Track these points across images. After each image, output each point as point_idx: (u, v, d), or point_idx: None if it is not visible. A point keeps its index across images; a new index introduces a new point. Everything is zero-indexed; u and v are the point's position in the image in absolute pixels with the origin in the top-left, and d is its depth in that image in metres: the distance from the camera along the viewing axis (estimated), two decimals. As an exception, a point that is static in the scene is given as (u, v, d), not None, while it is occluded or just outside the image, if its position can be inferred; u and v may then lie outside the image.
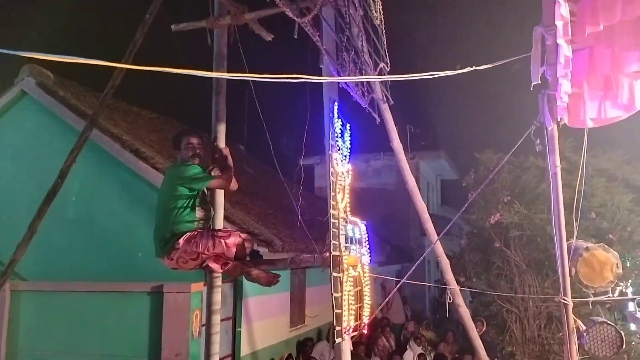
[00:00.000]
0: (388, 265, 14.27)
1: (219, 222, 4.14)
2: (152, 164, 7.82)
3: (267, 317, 8.83)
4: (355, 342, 3.96)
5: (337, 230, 3.67)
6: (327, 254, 3.75)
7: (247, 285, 8.11)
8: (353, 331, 3.78)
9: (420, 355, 9.66)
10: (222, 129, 4.35)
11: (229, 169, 4.04)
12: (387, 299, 5.76)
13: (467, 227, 11.61)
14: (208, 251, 3.82)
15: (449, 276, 5.40)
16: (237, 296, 8.04)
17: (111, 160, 8.02)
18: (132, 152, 7.96)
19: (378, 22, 4.69)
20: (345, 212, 3.89)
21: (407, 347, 10.21)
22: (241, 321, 8.01)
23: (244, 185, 11.90)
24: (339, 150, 3.76)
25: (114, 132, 8.20)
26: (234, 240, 3.91)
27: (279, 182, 18.57)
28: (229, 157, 4.14)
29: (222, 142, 4.33)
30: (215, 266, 3.90)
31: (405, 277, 4.22)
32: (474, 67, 3.04)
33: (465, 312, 5.43)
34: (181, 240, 3.81)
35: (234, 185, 4.19)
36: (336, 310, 3.54)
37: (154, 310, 6.78)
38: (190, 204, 3.91)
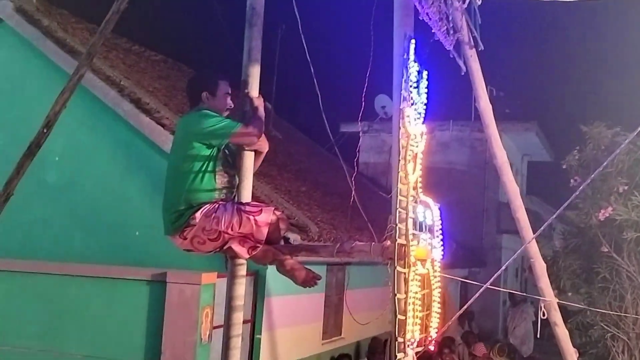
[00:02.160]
0: (452, 269, 14.14)
1: (246, 193, 4.11)
2: (156, 118, 7.89)
3: (294, 323, 8.88)
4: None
5: (404, 211, 3.59)
6: (389, 243, 3.68)
7: (271, 281, 8.15)
8: (418, 346, 3.73)
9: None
10: (255, 73, 4.27)
11: (258, 119, 3.98)
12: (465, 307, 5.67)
13: (563, 225, 11.38)
14: (232, 230, 3.79)
15: (544, 285, 5.29)
16: (258, 294, 8.11)
17: (105, 111, 8.13)
18: (132, 103, 8.05)
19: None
20: (415, 188, 3.80)
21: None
22: (261, 326, 8.08)
23: (271, 153, 11.92)
24: (412, 104, 3.66)
25: (109, 75, 8.30)
26: (266, 218, 3.87)
27: (314, 152, 18.70)
28: (261, 109, 4.09)
29: (254, 90, 4.27)
30: (240, 250, 3.88)
31: (489, 281, 4.13)
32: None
33: (563, 334, 5.34)
34: (198, 214, 3.79)
35: (263, 144, 4.14)
36: (399, 316, 3.49)
37: (153, 304, 6.89)
38: (209, 168, 3.88)
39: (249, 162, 4.14)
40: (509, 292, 15.00)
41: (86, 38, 9.07)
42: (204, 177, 3.88)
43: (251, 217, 3.84)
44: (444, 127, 19.22)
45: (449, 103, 17.05)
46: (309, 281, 4.07)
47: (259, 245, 3.90)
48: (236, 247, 3.88)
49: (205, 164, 3.87)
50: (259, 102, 4.12)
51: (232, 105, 4.10)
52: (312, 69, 4.47)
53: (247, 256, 3.94)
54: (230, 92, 4.09)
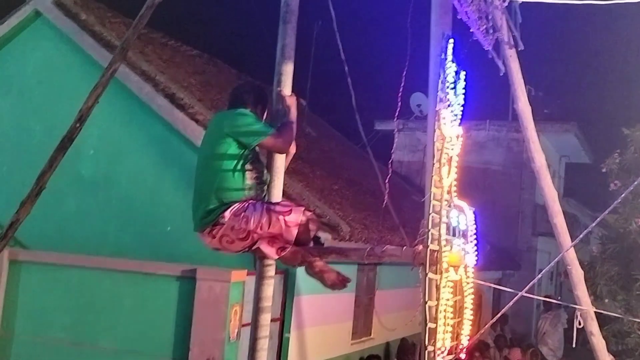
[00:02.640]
0: (486, 271, 13.93)
1: (277, 193, 4.05)
2: (190, 114, 7.88)
3: (323, 322, 8.82)
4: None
5: (438, 216, 3.50)
6: (421, 247, 3.59)
7: (301, 280, 8.10)
8: (448, 354, 3.63)
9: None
10: (288, 70, 4.21)
11: (289, 127, 3.91)
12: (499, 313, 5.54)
13: (600, 230, 11.13)
14: (261, 230, 3.74)
15: (581, 292, 5.13)
16: (287, 293, 8.07)
17: (140, 106, 8.16)
18: (167, 98, 8.06)
19: None
20: (449, 192, 3.70)
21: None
22: (290, 325, 8.04)
23: (304, 151, 11.90)
24: (449, 106, 3.56)
25: (145, 70, 8.32)
26: (296, 218, 3.80)
27: (348, 150, 18.61)
28: (293, 109, 4.01)
29: (287, 88, 4.20)
30: (269, 250, 3.82)
31: (525, 289, 4.00)
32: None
33: (600, 344, 5.18)
34: (227, 213, 3.75)
35: (292, 148, 4.08)
36: (429, 324, 3.40)
37: (183, 300, 6.89)
38: (239, 166, 3.83)
39: (280, 162, 4.08)
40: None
41: (122, 32, 9.10)
42: (234, 175, 3.83)
43: (281, 218, 3.78)
44: (481, 127, 18.95)
45: (485, 102, 16.81)
46: (338, 284, 4.00)
47: (288, 245, 3.84)
48: (265, 247, 3.83)
49: (236, 162, 3.82)
50: (292, 101, 4.05)
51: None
52: (346, 67, 4.39)
53: (276, 257, 3.89)
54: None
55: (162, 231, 7.85)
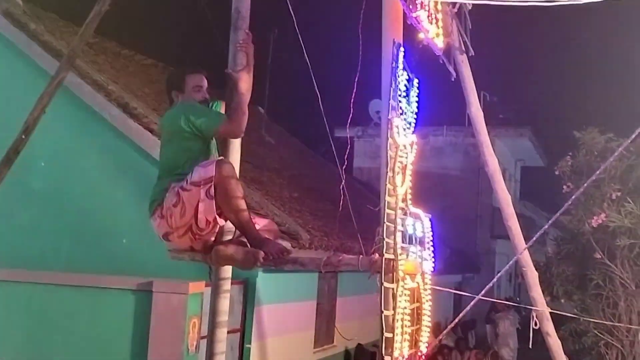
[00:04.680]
0: (446, 275, 14.04)
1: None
2: (144, 123, 7.75)
3: (285, 331, 8.75)
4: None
5: (392, 225, 3.46)
6: (377, 256, 3.55)
7: (261, 289, 8.02)
8: (407, 362, 3.60)
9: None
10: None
11: (239, 108, 3.80)
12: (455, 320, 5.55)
13: (556, 231, 11.30)
14: (187, 182, 3.66)
15: (536, 294, 5.17)
16: (248, 302, 7.98)
17: (92, 116, 7.99)
18: (120, 107, 7.91)
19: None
20: (405, 200, 3.68)
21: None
22: (251, 335, 7.94)
23: (262, 159, 11.84)
24: (402, 114, 3.54)
25: (97, 79, 8.15)
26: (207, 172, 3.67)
27: (307, 157, 18.58)
28: (241, 83, 3.90)
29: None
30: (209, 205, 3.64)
31: (481, 293, 4.00)
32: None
33: (555, 345, 5.23)
34: (171, 190, 3.69)
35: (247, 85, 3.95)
36: (386, 334, 3.36)
37: (139, 314, 6.76)
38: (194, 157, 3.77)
39: (236, 156, 4.02)
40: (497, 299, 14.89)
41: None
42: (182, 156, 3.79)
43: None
44: (438, 133, 19.16)
45: (442, 108, 17.00)
46: (250, 260, 3.82)
47: (210, 183, 3.63)
48: (203, 203, 3.66)
49: (192, 153, 3.77)
50: (236, 77, 3.94)
51: (207, 97, 3.96)
52: (311, 70, 4.36)
53: (213, 202, 3.67)
54: (202, 84, 3.94)
55: (117, 243, 7.68)
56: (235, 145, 4.02)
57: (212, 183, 3.58)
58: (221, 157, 3.82)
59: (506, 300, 17.53)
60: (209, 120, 3.75)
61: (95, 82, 8.05)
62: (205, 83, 3.96)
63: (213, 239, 3.91)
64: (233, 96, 3.81)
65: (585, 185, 6.25)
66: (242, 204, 3.70)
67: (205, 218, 3.64)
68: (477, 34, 5.48)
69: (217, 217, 3.66)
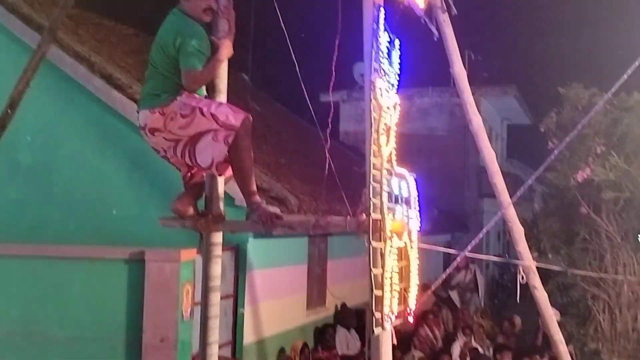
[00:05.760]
0: (435, 235, 14.20)
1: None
2: (129, 94, 7.73)
3: (277, 295, 8.88)
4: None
5: (378, 185, 3.53)
6: (364, 216, 3.62)
7: (252, 254, 8.11)
8: (397, 318, 3.70)
9: (472, 349, 9.74)
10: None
11: (211, 68, 3.86)
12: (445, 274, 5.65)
13: (543, 188, 11.42)
14: (207, 108, 3.76)
15: (522, 249, 5.28)
16: (239, 268, 8.08)
17: (76, 88, 7.95)
18: (103, 78, 7.89)
19: None
20: (390, 161, 3.73)
21: (456, 338, 10.31)
22: (244, 300, 8.06)
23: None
24: (384, 75, 3.57)
25: (79, 51, 8.09)
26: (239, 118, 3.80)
27: (293, 123, 18.56)
28: (223, 49, 3.91)
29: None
30: (217, 147, 3.74)
31: (467, 248, 4.09)
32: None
33: (542, 297, 5.36)
34: (183, 92, 3.79)
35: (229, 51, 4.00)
36: (375, 292, 3.44)
37: (133, 283, 6.82)
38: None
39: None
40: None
41: (53, 13, 8.81)
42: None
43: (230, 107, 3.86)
44: (423, 94, 19.15)
45: (427, 69, 16.96)
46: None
47: (231, 131, 3.73)
48: (209, 142, 3.75)
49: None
50: (222, 42, 3.97)
51: (213, 6, 3.94)
52: (289, 46, 4.36)
53: (225, 147, 3.76)
54: (211, 6, 3.92)
55: (107, 215, 7.72)
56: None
57: (235, 133, 3.68)
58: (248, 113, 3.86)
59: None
60: (186, 60, 3.74)
61: (78, 54, 7.99)
62: (215, 6, 3.94)
63: (190, 181, 4.02)
64: (210, 60, 3.83)
65: (568, 139, 6.35)
66: (251, 159, 3.80)
67: (212, 158, 3.75)
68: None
69: (218, 165, 3.75)
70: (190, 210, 4.01)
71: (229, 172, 3.93)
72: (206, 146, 3.77)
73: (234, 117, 3.75)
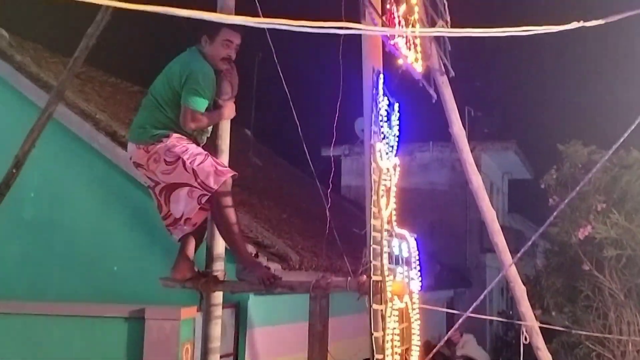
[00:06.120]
0: (437, 291, 14.09)
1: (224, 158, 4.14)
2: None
3: (278, 354, 8.73)
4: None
5: (379, 247, 3.55)
6: (365, 277, 3.63)
7: (253, 312, 8.03)
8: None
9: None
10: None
11: (211, 119, 3.99)
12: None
13: (545, 243, 11.40)
14: (190, 163, 3.75)
15: (525, 308, 5.25)
16: (240, 326, 7.97)
17: (81, 145, 8.01)
18: (108, 136, 7.95)
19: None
20: (390, 222, 3.77)
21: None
22: (244, 359, 7.93)
23: (250, 181, 11.89)
24: (384, 138, 3.64)
25: (84, 108, 8.20)
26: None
27: (295, 178, 18.62)
28: (224, 111, 4.05)
29: (225, 128, 4.25)
30: (189, 202, 3.76)
31: (470, 309, 4.08)
32: (581, 23, 2.87)
33: (546, 358, 5.27)
34: (173, 135, 3.82)
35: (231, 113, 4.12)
36: (377, 356, 3.43)
37: (132, 342, 6.73)
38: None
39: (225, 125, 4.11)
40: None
41: (60, 72, 8.97)
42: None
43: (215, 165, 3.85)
44: (424, 149, 19.28)
45: (428, 124, 17.14)
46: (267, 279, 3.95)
47: (207, 193, 3.75)
48: (184, 196, 3.76)
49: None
50: (226, 104, 4.05)
51: (231, 57, 3.99)
52: (290, 102, 4.44)
53: (198, 205, 3.78)
54: (235, 41, 3.96)
55: (108, 272, 7.69)
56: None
57: (212, 194, 3.71)
58: (234, 174, 3.87)
59: (499, 314, 17.63)
60: (189, 97, 3.79)
61: (83, 112, 8.09)
62: (238, 41, 3.96)
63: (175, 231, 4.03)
64: (213, 112, 3.90)
65: (569, 197, 6.37)
66: (235, 218, 3.83)
67: (183, 212, 3.80)
68: (458, 50, 5.59)
69: (186, 220, 3.77)
70: (189, 275, 4.00)
71: (194, 225, 3.91)
72: (180, 199, 3.78)
73: (214, 179, 3.73)
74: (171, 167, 3.77)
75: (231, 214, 3.81)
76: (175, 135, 3.82)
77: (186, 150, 3.81)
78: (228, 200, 3.80)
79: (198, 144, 3.98)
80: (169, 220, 4.03)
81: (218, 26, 3.92)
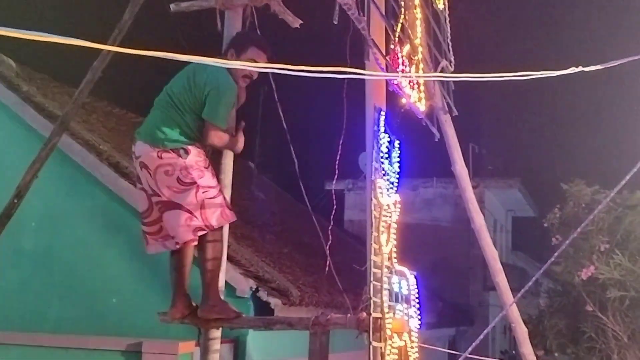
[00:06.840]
0: (439, 329, 13.97)
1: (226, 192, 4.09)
2: (135, 182, 7.82)
3: (276, 391, 8.64)
4: None
5: (379, 284, 3.55)
6: (364, 314, 3.63)
7: (252, 348, 7.97)
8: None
9: None
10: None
11: (231, 142, 3.99)
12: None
13: (549, 282, 11.35)
14: (204, 193, 3.74)
15: (527, 350, 5.21)
16: (239, 362, 7.92)
17: (84, 175, 8.06)
18: (111, 167, 8.00)
19: (442, 6, 4.62)
20: (390, 259, 3.78)
21: None
22: (243, 396, 7.85)
23: (252, 215, 11.90)
24: (384, 175, 3.67)
25: (88, 139, 8.27)
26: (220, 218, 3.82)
27: (298, 212, 18.58)
28: (239, 144, 4.07)
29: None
30: (184, 229, 3.72)
31: (470, 349, 4.06)
32: (580, 68, 2.91)
33: (547, 401, 5.20)
34: (191, 148, 3.74)
35: (240, 145, 4.10)
36: (375, 394, 3.40)
37: (129, 376, 6.70)
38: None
39: (228, 159, 4.14)
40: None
41: (66, 102, 9.06)
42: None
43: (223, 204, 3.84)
44: (428, 184, 19.31)
45: (431, 160, 17.20)
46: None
47: (205, 229, 3.73)
48: (182, 222, 3.71)
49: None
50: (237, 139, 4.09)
51: (254, 77, 3.97)
52: (288, 137, 4.49)
53: (192, 237, 3.76)
54: (259, 61, 3.90)
55: (107, 303, 7.66)
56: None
57: (208, 230, 3.73)
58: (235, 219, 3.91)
59: (501, 354, 17.43)
60: (214, 113, 3.76)
61: (87, 142, 8.16)
62: (263, 62, 3.90)
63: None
64: (232, 140, 3.97)
65: (571, 237, 6.36)
66: (219, 252, 3.86)
67: (174, 234, 3.81)
68: (462, 88, 5.65)
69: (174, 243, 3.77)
70: (186, 311, 3.98)
71: (177, 245, 3.89)
72: (176, 221, 3.72)
73: (217, 220, 3.75)
74: (182, 188, 3.71)
75: (217, 247, 3.83)
76: (194, 150, 3.76)
77: (203, 177, 3.76)
78: (218, 235, 3.81)
79: (211, 163, 3.96)
80: (152, 227, 3.95)
81: (246, 43, 3.97)
